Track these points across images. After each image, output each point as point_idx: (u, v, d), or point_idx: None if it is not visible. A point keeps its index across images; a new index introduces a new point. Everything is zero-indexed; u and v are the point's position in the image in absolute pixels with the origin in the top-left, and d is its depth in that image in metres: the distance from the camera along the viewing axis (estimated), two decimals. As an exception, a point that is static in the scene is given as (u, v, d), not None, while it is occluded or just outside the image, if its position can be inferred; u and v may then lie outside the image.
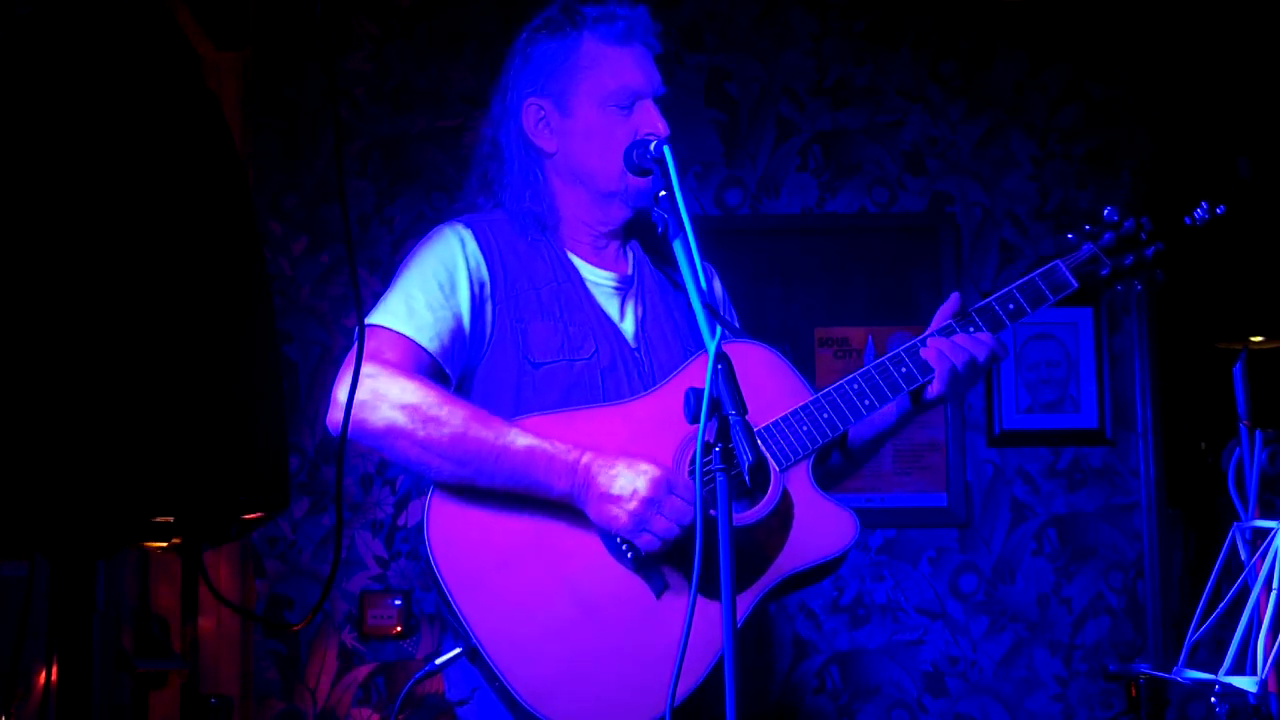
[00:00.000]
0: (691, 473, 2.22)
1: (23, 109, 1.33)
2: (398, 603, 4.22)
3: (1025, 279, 2.38)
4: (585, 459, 2.18)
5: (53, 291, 1.31)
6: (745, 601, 2.16)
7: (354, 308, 2.20)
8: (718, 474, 1.83)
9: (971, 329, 2.35)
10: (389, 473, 4.29)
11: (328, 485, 4.29)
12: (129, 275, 1.33)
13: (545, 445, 2.19)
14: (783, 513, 2.23)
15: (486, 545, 2.21)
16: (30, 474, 1.30)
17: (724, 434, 1.85)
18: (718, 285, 2.59)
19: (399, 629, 4.21)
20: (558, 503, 2.20)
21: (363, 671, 4.23)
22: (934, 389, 2.35)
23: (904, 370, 2.33)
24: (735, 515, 2.21)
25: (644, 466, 2.16)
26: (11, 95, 1.33)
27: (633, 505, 2.14)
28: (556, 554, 2.21)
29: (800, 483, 2.26)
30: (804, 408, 2.28)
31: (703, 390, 1.86)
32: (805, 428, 2.26)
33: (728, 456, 1.84)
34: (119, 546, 1.41)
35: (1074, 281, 2.39)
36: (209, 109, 1.43)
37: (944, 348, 2.33)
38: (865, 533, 4.36)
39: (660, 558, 2.19)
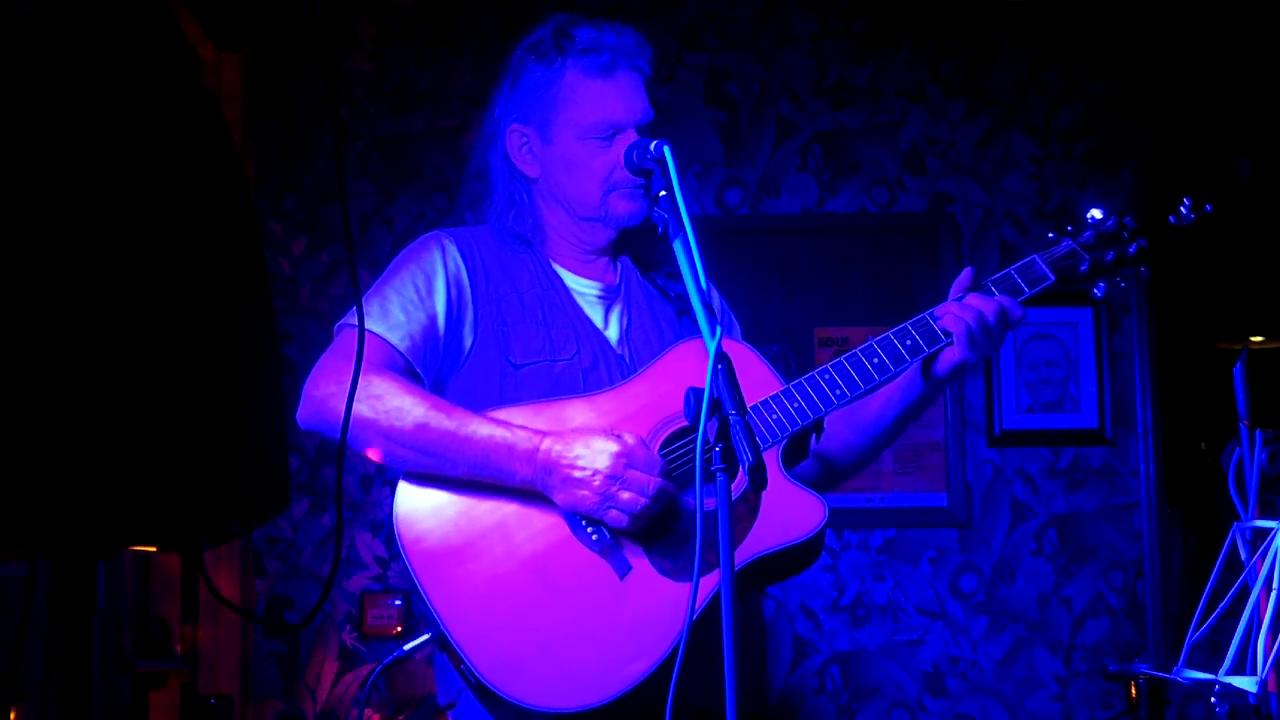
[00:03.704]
0: (664, 454, 2.24)
1: (22, 108, 1.33)
2: (398, 603, 4.22)
3: (1002, 273, 2.38)
4: (544, 444, 2.20)
5: (53, 292, 1.31)
6: (709, 584, 2.16)
7: (354, 307, 2.22)
8: (718, 473, 1.84)
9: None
10: (389, 473, 4.29)
11: (328, 485, 4.29)
12: (128, 276, 1.33)
13: (505, 433, 2.21)
14: (749, 498, 2.24)
15: (453, 529, 2.24)
16: (30, 474, 1.30)
17: (723, 433, 1.85)
18: (715, 296, 2.60)
19: (399, 629, 4.21)
20: (521, 489, 2.22)
21: (363, 671, 4.23)
22: (952, 353, 2.32)
23: (876, 361, 2.31)
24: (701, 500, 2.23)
25: (600, 444, 2.18)
26: (10, 94, 1.33)
27: (596, 483, 2.16)
28: (522, 537, 2.23)
29: (769, 469, 2.27)
30: (775, 396, 2.28)
31: (702, 390, 1.86)
32: (775, 416, 2.27)
33: (727, 456, 1.84)
34: (119, 546, 1.41)
35: (1050, 275, 2.38)
36: (208, 109, 1.43)
37: (955, 310, 2.30)
38: (865, 533, 4.37)
39: (629, 535, 2.20)
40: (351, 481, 4.28)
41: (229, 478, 1.38)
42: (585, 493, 2.17)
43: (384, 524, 4.28)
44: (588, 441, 2.19)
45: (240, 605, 4.14)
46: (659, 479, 2.18)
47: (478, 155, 2.50)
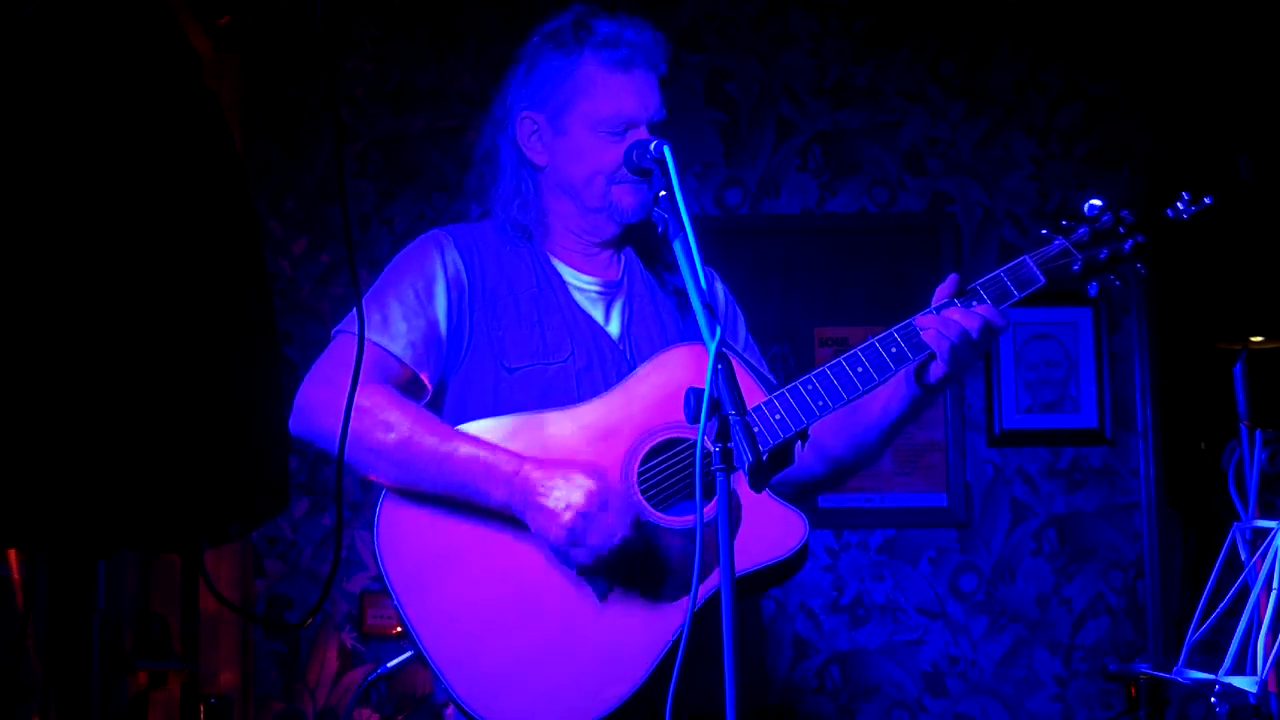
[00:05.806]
0: (645, 469, 2.22)
1: (21, 108, 1.33)
2: (398, 603, 4.22)
3: (990, 276, 2.31)
4: (524, 470, 2.17)
5: (53, 293, 1.31)
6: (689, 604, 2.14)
7: (351, 312, 2.22)
8: (718, 473, 1.83)
9: None
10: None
11: (328, 485, 4.29)
12: (128, 276, 1.33)
13: (486, 455, 2.19)
14: (731, 516, 2.21)
15: (434, 548, 2.22)
16: (31, 475, 1.30)
17: (723, 434, 1.84)
18: (720, 289, 2.58)
19: (399, 629, 4.21)
20: (499, 512, 2.20)
21: (362, 671, 4.23)
22: (937, 368, 2.29)
23: (860, 370, 2.26)
24: (677, 518, 2.22)
25: (580, 480, 2.14)
26: (10, 94, 1.33)
27: (567, 518, 2.12)
28: (502, 557, 2.21)
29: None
30: (756, 408, 2.22)
31: (702, 390, 1.86)
32: (757, 429, 2.22)
33: (727, 456, 1.84)
34: (119, 547, 1.41)
35: (1041, 277, 2.31)
36: (209, 109, 1.43)
37: (937, 325, 2.26)
38: (865, 533, 4.37)
39: (596, 569, 2.18)
40: (351, 481, 4.28)
41: (229, 478, 1.38)
42: (554, 525, 2.13)
43: (384, 524, 4.28)
44: (568, 474, 2.15)
45: (240, 605, 4.14)
46: (628, 530, 2.14)
47: (487, 138, 2.48)
